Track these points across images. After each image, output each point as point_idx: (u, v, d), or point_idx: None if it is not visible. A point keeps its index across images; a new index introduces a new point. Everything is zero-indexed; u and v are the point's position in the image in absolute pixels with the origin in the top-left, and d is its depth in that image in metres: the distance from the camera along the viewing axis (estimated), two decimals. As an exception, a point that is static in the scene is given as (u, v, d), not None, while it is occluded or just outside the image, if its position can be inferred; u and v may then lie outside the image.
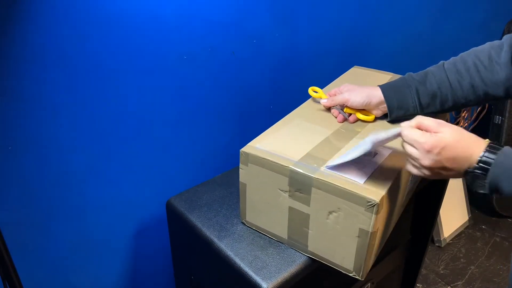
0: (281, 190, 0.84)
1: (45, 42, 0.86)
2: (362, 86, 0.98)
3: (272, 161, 0.83)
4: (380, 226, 0.81)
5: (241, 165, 0.88)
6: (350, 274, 0.85)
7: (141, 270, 1.31)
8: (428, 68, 0.93)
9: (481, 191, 0.68)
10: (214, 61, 1.15)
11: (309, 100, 1.07)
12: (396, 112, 0.93)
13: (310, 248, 0.88)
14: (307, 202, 0.82)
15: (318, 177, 0.78)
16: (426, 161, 0.69)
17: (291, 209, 0.85)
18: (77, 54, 0.91)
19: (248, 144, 0.88)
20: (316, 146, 0.87)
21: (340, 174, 0.79)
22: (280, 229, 0.90)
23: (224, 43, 1.15)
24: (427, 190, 1.26)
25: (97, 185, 1.08)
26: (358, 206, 0.75)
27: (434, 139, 0.68)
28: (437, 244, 2.10)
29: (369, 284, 1.28)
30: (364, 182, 0.78)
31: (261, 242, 0.91)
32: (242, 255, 0.88)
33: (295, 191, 0.82)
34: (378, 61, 1.62)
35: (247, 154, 0.86)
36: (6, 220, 0.94)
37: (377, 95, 0.94)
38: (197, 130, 1.20)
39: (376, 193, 0.75)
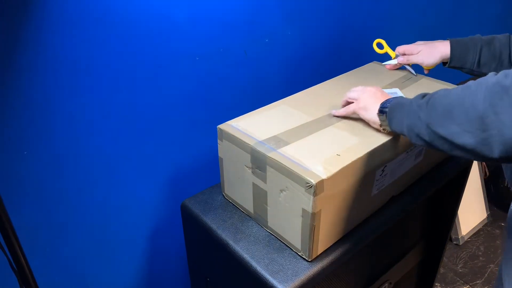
0: (246, 167, 0.90)
1: (58, 47, 0.86)
2: (433, 45, 1.07)
3: (239, 139, 0.89)
4: (325, 208, 0.81)
5: (218, 140, 0.95)
6: (299, 254, 0.88)
7: (157, 272, 1.31)
8: (496, 35, 1.01)
9: (389, 128, 0.85)
10: (227, 62, 1.14)
11: (305, 90, 1.10)
12: (455, 62, 1.03)
13: (269, 224, 0.92)
14: (264, 179, 0.87)
15: (271, 157, 0.83)
16: (354, 93, 0.93)
17: (254, 185, 0.91)
18: (91, 58, 0.91)
19: (226, 122, 0.95)
20: (288, 130, 0.92)
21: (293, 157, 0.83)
22: (248, 204, 0.96)
23: (236, 43, 1.14)
24: (445, 189, 1.23)
25: (111, 188, 1.08)
26: (300, 186, 0.79)
27: (362, 87, 0.94)
28: (455, 242, 2.07)
29: (386, 284, 1.26)
30: (317, 165, 0.80)
31: (277, 244, 0.90)
32: (258, 258, 0.87)
33: (256, 168, 0.88)
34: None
35: (221, 130, 0.93)
36: (23, 224, 0.95)
37: (447, 52, 1.04)
38: (210, 131, 1.20)
39: (316, 175, 0.77)
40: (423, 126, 0.69)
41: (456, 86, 0.73)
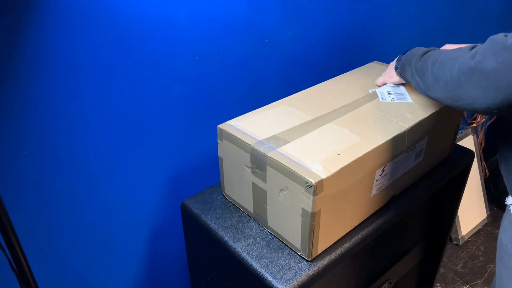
0: (246, 166, 0.91)
1: (58, 47, 0.86)
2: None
3: (239, 138, 0.90)
4: (325, 208, 0.82)
5: (218, 140, 0.96)
6: (299, 253, 0.88)
7: (157, 272, 1.31)
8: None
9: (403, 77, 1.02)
10: (227, 62, 1.14)
11: (305, 90, 1.10)
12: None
13: (269, 224, 0.93)
14: (264, 179, 0.87)
15: (271, 156, 0.83)
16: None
17: (254, 184, 0.91)
18: (91, 58, 0.91)
19: (226, 122, 0.96)
20: (288, 129, 0.92)
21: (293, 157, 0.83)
22: (248, 203, 0.96)
23: (236, 43, 1.14)
24: (445, 189, 1.23)
25: (111, 188, 1.08)
26: (299, 186, 0.79)
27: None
28: (455, 242, 2.07)
29: (386, 284, 1.26)
30: (317, 164, 0.80)
31: (277, 244, 0.90)
32: (258, 258, 0.87)
33: (256, 168, 0.88)
34: (394, 56, 1.60)
35: (221, 130, 0.94)
36: (23, 225, 0.95)
37: None
38: (210, 131, 1.20)
39: (316, 175, 0.77)
40: (421, 90, 0.89)
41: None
